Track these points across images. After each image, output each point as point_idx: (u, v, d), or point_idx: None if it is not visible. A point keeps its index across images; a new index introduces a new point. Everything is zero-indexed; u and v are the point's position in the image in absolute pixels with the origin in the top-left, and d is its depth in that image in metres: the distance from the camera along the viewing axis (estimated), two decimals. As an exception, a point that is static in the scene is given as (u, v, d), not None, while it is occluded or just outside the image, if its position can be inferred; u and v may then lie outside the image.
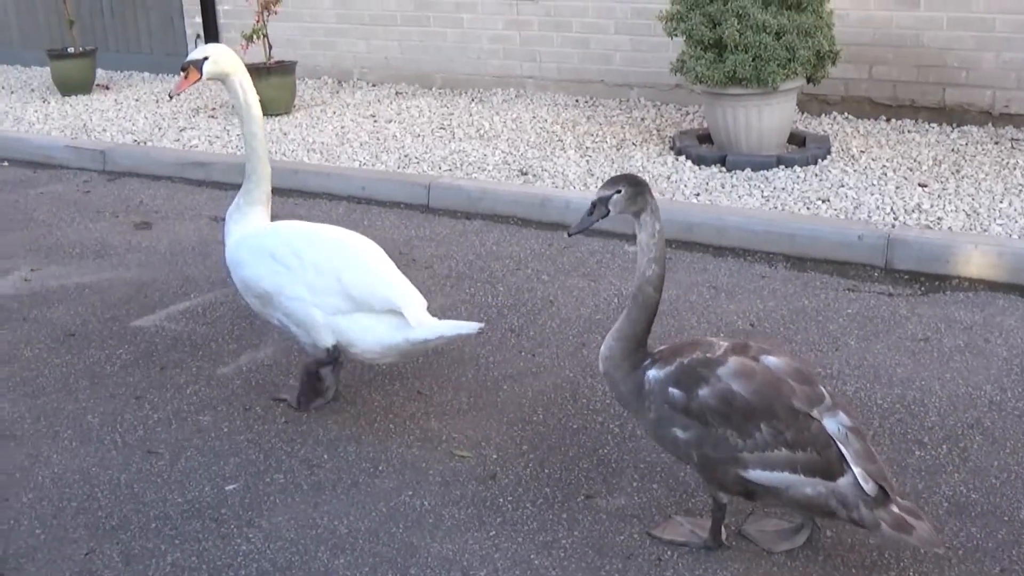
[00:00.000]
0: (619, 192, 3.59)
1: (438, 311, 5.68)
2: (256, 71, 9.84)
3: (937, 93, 8.53)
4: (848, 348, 5.15)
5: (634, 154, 8.02)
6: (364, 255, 4.68)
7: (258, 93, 10.20)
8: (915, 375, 4.86)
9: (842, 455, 3.39)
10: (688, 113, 9.28)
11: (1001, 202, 6.59)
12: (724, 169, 7.58)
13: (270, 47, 10.13)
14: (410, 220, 7.31)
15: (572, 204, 7.04)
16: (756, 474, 3.46)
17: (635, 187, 3.59)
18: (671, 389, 3.53)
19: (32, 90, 11.83)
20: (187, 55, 5.20)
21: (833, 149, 7.86)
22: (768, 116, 7.59)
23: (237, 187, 8.10)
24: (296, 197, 7.91)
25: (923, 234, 6.13)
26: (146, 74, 12.53)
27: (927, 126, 8.46)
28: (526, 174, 7.73)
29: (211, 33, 11.97)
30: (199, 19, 12.01)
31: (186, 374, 5.16)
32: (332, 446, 4.47)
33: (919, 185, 6.99)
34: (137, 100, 11.02)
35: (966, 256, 5.88)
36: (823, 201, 6.79)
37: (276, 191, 8.00)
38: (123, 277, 6.43)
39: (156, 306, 5.98)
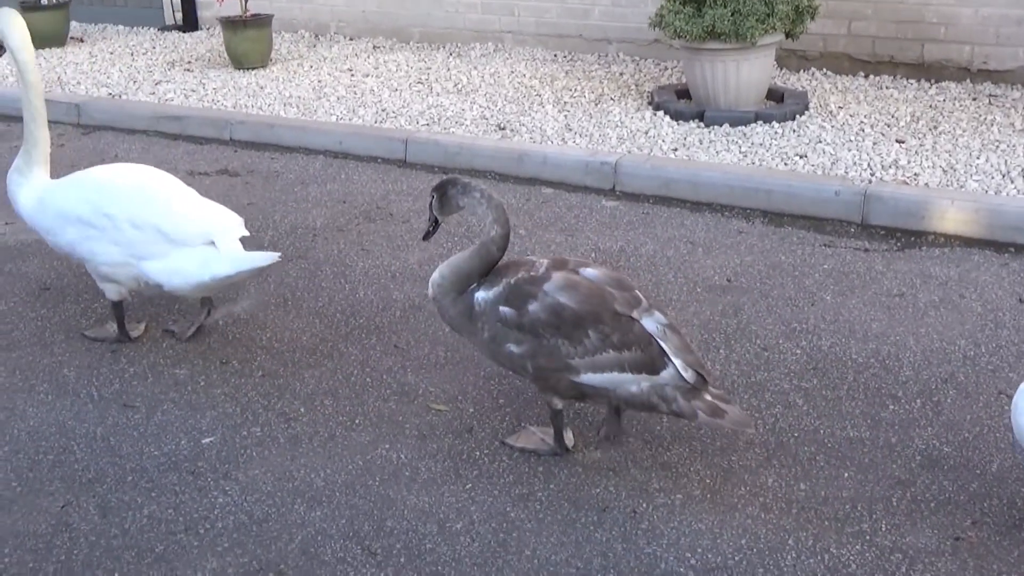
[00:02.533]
0: (432, 198, 3.99)
1: (415, 264, 5.70)
2: (232, 24, 9.82)
3: (916, 49, 8.52)
4: (824, 303, 5.17)
5: (612, 109, 8.00)
6: (170, 194, 4.80)
7: (234, 46, 10.22)
8: (890, 330, 4.88)
9: (663, 350, 3.68)
10: (667, 68, 9.25)
11: (978, 158, 6.61)
12: (702, 124, 7.57)
13: (246, 0, 10.03)
14: (387, 175, 7.28)
15: (549, 159, 7.02)
16: (588, 377, 3.73)
17: (439, 191, 3.95)
18: (502, 308, 3.77)
19: (5, 42, 11.69)
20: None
21: (811, 105, 7.86)
22: (746, 71, 7.57)
23: (212, 141, 8.13)
24: (272, 151, 7.87)
25: (899, 190, 6.14)
26: (121, 27, 12.40)
27: (905, 82, 8.46)
28: (504, 129, 7.70)
29: (186, -14, 11.87)
30: (174, -29, 11.90)
31: (162, 328, 5.14)
32: (309, 400, 4.47)
33: (896, 141, 7.00)
34: (112, 53, 10.92)
35: (942, 212, 5.90)
36: (800, 157, 6.80)
37: (252, 145, 8.01)
38: (98, 231, 6.38)
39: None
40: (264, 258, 4.65)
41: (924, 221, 5.94)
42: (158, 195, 4.77)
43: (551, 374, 3.77)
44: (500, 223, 3.86)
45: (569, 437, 4.04)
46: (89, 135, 8.53)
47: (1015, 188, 6.11)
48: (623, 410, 4.02)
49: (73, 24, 11.81)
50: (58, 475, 4.00)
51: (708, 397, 3.70)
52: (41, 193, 4.95)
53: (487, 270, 3.91)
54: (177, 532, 3.66)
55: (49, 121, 8.41)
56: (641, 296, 3.79)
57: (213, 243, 4.68)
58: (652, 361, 3.67)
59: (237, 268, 4.64)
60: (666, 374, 3.67)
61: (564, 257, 3.93)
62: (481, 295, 3.85)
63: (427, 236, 4.17)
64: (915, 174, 6.40)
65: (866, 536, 3.52)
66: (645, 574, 3.39)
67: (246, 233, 4.82)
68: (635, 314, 3.72)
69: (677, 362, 3.66)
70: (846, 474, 3.84)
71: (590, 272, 3.81)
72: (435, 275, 3.97)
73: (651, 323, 3.72)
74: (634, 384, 3.70)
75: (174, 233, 4.63)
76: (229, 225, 4.75)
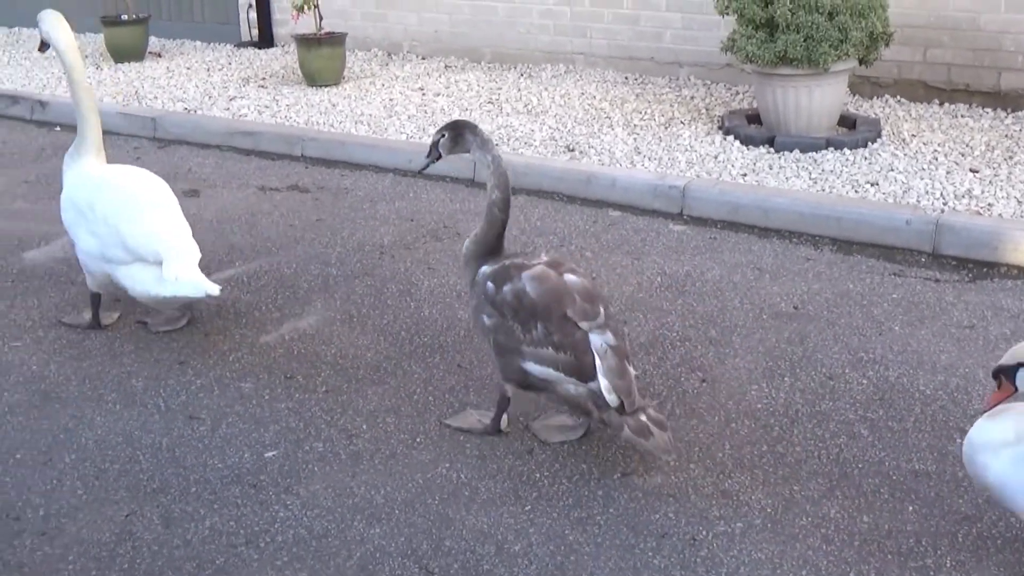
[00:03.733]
0: (443, 136, 4.26)
1: (480, 285, 5.70)
2: (306, 41, 9.93)
3: (992, 77, 8.41)
4: (892, 333, 5.11)
5: (682, 132, 7.98)
6: (150, 206, 5.10)
7: (308, 63, 10.35)
8: (959, 362, 4.81)
9: (595, 364, 3.90)
10: (738, 93, 9.21)
11: (1053, 190, 6.51)
12: (772, 150, 7.53)
13: (321, 18, 10.14)
14: (455, 194, 7.31)
15: (618, 181, 7.02)
16: (530, 366, 4.04)
17: (454, 130, 4.24)
18: (488, 283, 4.14)
19: (85, 56, 11.92)
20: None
21: (884, 132, 7.78)
22: (818, 97, 7.52)
23: (285, 157, 8.22)
24: (342, 168, 7.94)
25: (972, 220, 6.06)
26: (198, 43, 12.59)
27: (981, 111, 8.35)
28: (573, 150, 7.71)
29: (263, 3, 12.02)
30: (251, -12, 12.07)
31: (229, 341, 5.21)
32: (371, 417, 4.49)
33: (970, 170, 6.91)
34: (188, 68, 11.09)
35: (1015, 243, 5.81)
36: (872, 184, 6.73)
37: (323, 162, 8.09)
38: (170, 244, 6.48)
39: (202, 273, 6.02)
40: (203, 289, 4.85)
41: (997, 252, 5.85)
42: (137, 202, 5.10)
43: (506, 352, 4.11)
44: (501, 188, 4.18)
45: (504, 421, 4.34)
46: (164, 149, 8.66)
47: (1092, 221, 6.00)
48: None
49: (152, 39, 12.00)
50: (123, 484, 4.06)
51: (642, 418, 3.91)
52: (77, 175, 5.27)
53: (496, 232, 4.25)
54: (238, 545, 3.70)
55: (126, 135, 8.60)
56: (601, 311, 4.01)
57: (162, 263, 4.94)
58: (583, 369, 3.92)
59: (173, 292, 4.88)
60: (594, 385, 3.91)
61: (563, 260, 4.23)
62: (484, 268, 4.22)
63: (423, 168, 4.54)
64: (989, 204, 6.31)
65: (930, 572, 3.47)
66: (703, 602, 3.37)
67: (199, 256, 5.03)
68: (584, 325, 3.96)
69: (604, 382, 3.89)
70: (911, 508, 3.79)
71: (569, 276, 4.08)
72: (463, 246, 4.37)
73: (598, 339, 3.96)
74: (572, 385, 3.98)
75: (129, 238, 4.94)
76: (181, 251, 4.97)
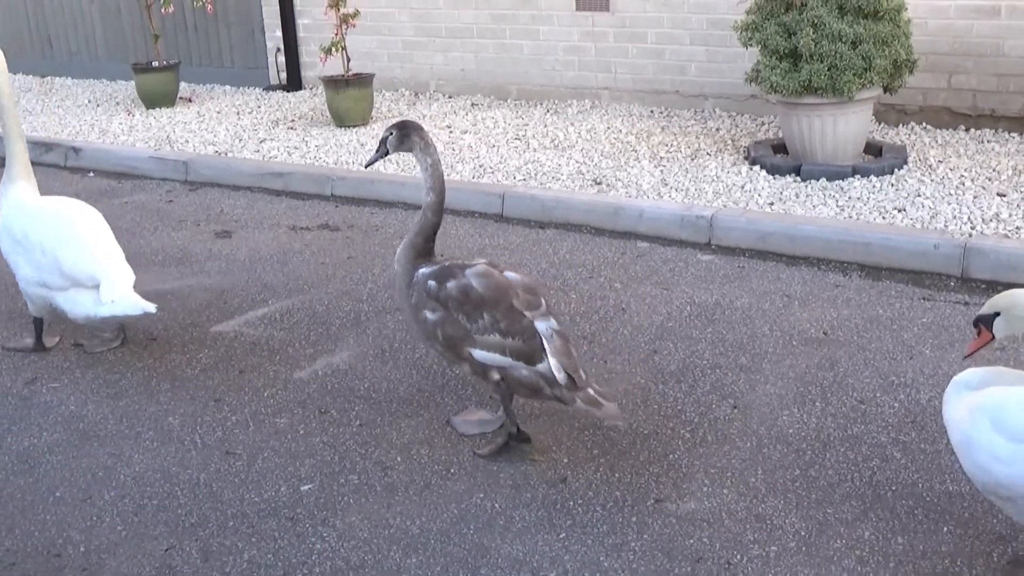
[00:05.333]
0: (391, 134, 4.57)
1: (511, 318, 5.74)
2: (334, 83, 10.05)
3: (1018, 102, 8.42)
4: (923, 357, 5.11)
5: (708, 164, 8.02)
6: (84, 233, 5.37)
7: (336, 104, 10.47)
8: (991, 384, 4.80)
9: (543, 346, 4.20)
10: (763, 123, 9.25)
11: (1082, 211, 6.50)
12: (799, 179, 7.55)
13: (348, 60, 10.26)
14: (484, 229, 7.38)
15: (646, 213, 7.06)
16: (479, 353, 4.30)
17: (402, 130, 4.55)
18: (429, 281, 4.40)
19: (117, 103, 12.10)
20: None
21: (910, 159, 7.80)
22: (844, 126, 7.55)
23: (315, 197, 8.31)
24: (371, 206, 8.02)
25: (1000, 243, 6.06)
26: (227, 87, 12.74)
27: (1007, 136, 8.35)
28: (600, 184, 7.77)
29: (291, 47, 12.15)
30: (279, 33, 12.20)
31: (264, 378, 5.26)
32: (405, 449, 4.53)
33: (997, 195, 6.92)
34: (219, 112, 11.23)
35: (1044, 265, 5.81)
36: (899, 211, 6.74)
37: (352, 200, 8.17)
38: (204, 284, 6.57)
39: (235, 312, 6.10)
40: (140, 307, 5.12)
41: (1026, 275, 5.86)
42: (68, 229, 5.35)
43: (456, 342, 4.34)
44: (436, 191, 4.49)
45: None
46: (196, 191, 8.77)
47: (1121, 241, 6.00)
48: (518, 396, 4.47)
49: (183, 85, 12.17)
50: (162, 519, 4.11)
51: (591, 391, 4.19)
52: (11, 205, 5.50)
53: (428, 235, 4.52)
54: (276, 576, 3.74)
55: (158, 178, 8.73)
56: (543, 303, 4.36)
57: (98, 286, 5.21)
58: (532, 353, 4.22)
59: (111, 312, 5.15)
60: (542, 367, 4.19)
61: (498, 263, 4.53)
62: (422, 270, 4.47)
63: (370, 163, 4.87)
64: (1017, 227, 6.31)
65: (966, 591, 3.47)
66: (739, 626, 3.38)
67: (133, 277, 5.31)
68: (529, 314, 4.28)
69: (552, 361, 4.18)
70: (945, 528, 3.79)
71: (510, 274, 4.42)
72: (397, 251, 4.61)
73: (543, 325, 4.27)
74: (525, 369, 4.23)
75: (65, 264, 5.21)
76: (116, 273, 5.26)
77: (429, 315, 4.40)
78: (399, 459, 4.46)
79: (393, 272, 4.65)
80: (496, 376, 4.34)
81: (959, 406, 3.50)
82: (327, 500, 4.19)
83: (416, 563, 3.77)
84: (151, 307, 5.11)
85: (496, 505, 4.09)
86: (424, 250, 4.53)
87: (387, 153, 4.67)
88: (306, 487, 4.29)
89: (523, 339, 4.23)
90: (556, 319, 4.34)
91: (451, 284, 4.34)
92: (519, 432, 4.51)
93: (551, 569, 3.70)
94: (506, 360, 4.26)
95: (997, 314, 3.52)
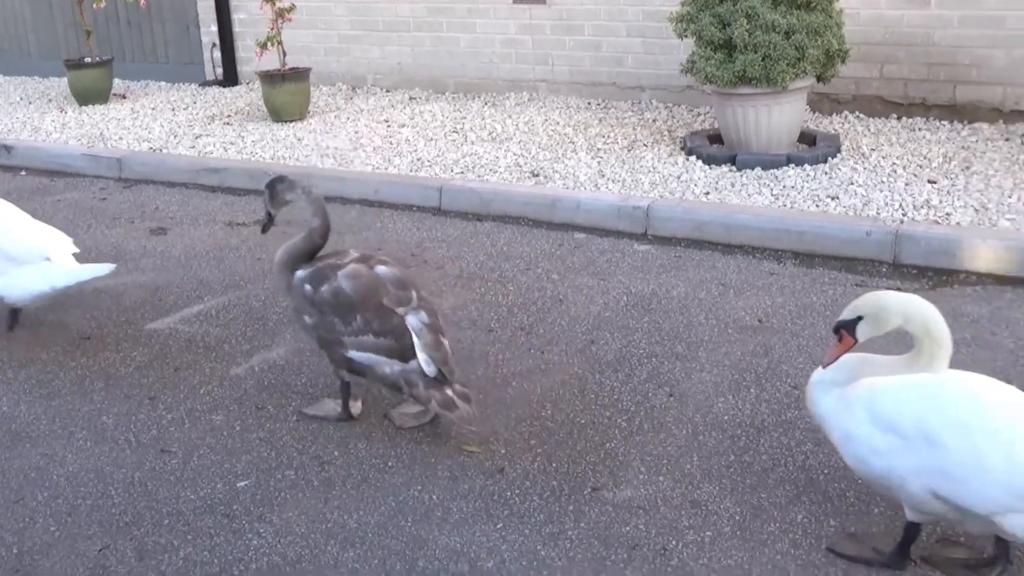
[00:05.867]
0: (264, 196, 4.73)
1: (448, 310, 5.75)
2: (271, 78, 9.99)
3: (948, 91, 8.54)
4: (856, 342, 5.15)
5: (645, 155, 8.06)
6: (14, 215, 5.55)
7: (272, 99, 10.43)
8: (922, 368, 4.87)
9: (413, 344, 4.30)
10: (699, 114, 9.31)
11: (1010, 197, 6.61)
12: (734, 168, 7.61)
13: (284, 54, 10.20)
14: (422, 222, 7.37)
15: (583, 205, 7.08)
16: (354, 354, 4.41)
17: (268, 190, 4.71)
18: (306, 285, 4.50)
19: (50, 100, 11.95)
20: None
21: (843, 147, 7.88)
22: (778, 115, 7.62)
23: (252, 192, 8.26)
24: (310, 201, 7.97)
25: (931, 229, 6.15)
26: (162, 83, 12.63)
27: (938, 124, 8.47)
28: (537, 176, 7.78)
29: (227, 42, 12.07)
30: (215, 28, 12.11)
31: (199, 375, 5.23)
32: (342, 443, 4.52)
33: (928, 182, 7.01)
34: (153, 109, 11.12)
35: (974, 250, 5.90)
36: (832, 199, 6.82)
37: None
38: (138, 281, 6.50)
39: (170, 309, 6.05)
40: (99, 269, 5.30)
41: (956, 260, 5.94)
42: (2, 215, 5.49)
43: (330, 344, 4.47)
44: (320, 216, 4.59)
45: (357, 407, 4.72)
46: (130, 188, 8.68)
47: (1048, 226, 6.11)
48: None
49: (116, 81, 12.04)
50: (96, 519, 4.06)
51: (448, 392, 4.31)
52: None
53: (312, 253, 4.61)
54: (212, 574, 3.71)
55: (91, 176, 8.64)
56: (414, 295, 4.44)
57: (48, 259, 5.36)
58: (404, 350, 4.32)
59: (75, 279, 5.30)
60: (414, 363, 4.30)
61: (371, 254, 4.65)
62: (299, 273, 4.55)
63: (264, 229, 4.88)
64: (947, 214, 6.40)
65: (895, 571, 3.51)
66: (674, 611, 3.41)
67: (76, 250, 5.49)
68: (400, 310, 4.37)
69: (422, 356, 4.29)
70: (876, 510, 3.84)
71: (381, 269, 4.49)
72: (276, 254, 4.69)
73: (414, 320, 4.38)
74: (388, 366, 4.36)
75: (15, 252, 5.33)
76: (62, 243, 5.45)
77: (308, 319, 4.53)
78: (336, 453, 4.45)
79: (276, 271, 4.72)
80: (347, 377, 4.56)
81: (830, 401, 3.53)
82: (264, 496, 4.16)
83: (354, 556, 3.76)
84: (111, 266, 5.31)
85: (434, 497, 4.09)
86: (306, 260, 4.62)
87: (273, 216, 4.81)
88: (242, 483, 4.26)
89: (395, 338, 4.34)
90: (427, 311, 4.43)
91: (324, 288, 4.44)
92: (348, 416, 4.69)
93: (489, 559, 3.71)
94: (380, 359, 4.37)
95: (860, 318, 3.51)
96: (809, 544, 3.68)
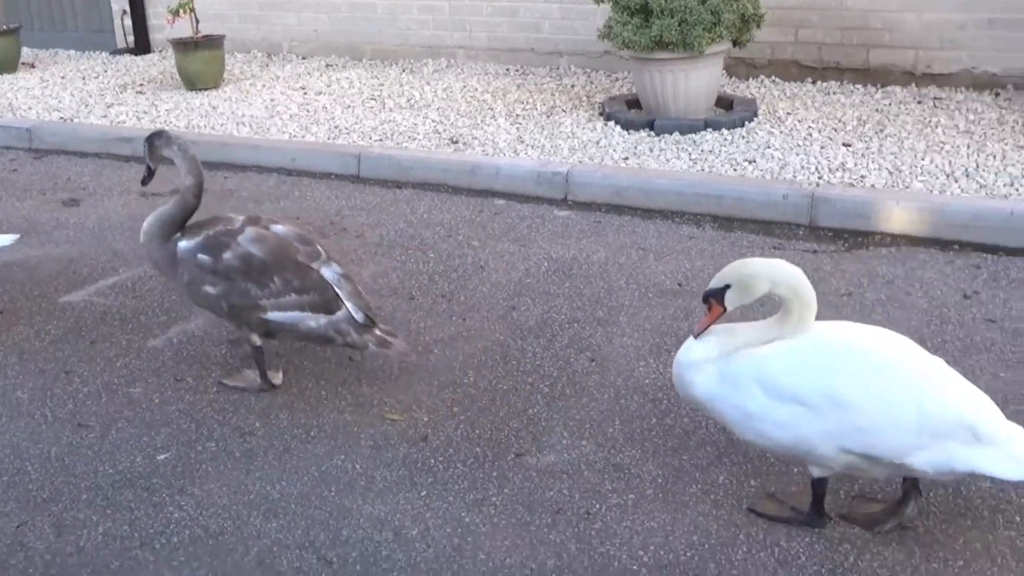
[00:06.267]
0: (144, 149, 4.71)
1: (369, 278, 5.72)
2: (183, 46, 9.83)
3: (861, 55, 8.64)
4: (773, 304, 5.22)
5: (564, 120, 8.06)
6: None
7: (186, 67, 10.26)
8: (838, 329, 4.94)
9: (337, 294, 4.38)
10: (617, 79, 9.33)
11: (923, 159, 6.71)
12: (652, 133, 7.64)
13: (197, 21, 10.04)
14: (341, 190, 7.31)
15: (502, 171, 7.07)
16: (274, 315, 4.41)
17: (147, 143, 4.70)
18: (200, 255, 4.43)
19: (-44, 70, 11.65)
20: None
21: (760, 112, 7.95)
22: (695, 80, 7.65)
23: (166, 161, 8.11)
24: (225, 170, 7.87)
25: (846, 192, 6.23)
26: (72, 52, 12.36)
27: (852, 87, 8.58)
28: (456, 142, 7.75)
29: (137, 9, 11.84)
30: (125, -6, 11.88)
31: (116, 347, 5.14)
32: (264, 414, 4.48)
33: (843, 145, 7.10)
34: (63, 78, 10.89)
35: (888, 212, 5.99)
36: (749, 162, 6.88)
37: (205, 165, 7.98)
38: (51, 254, 6.38)
39: (85, 281, 5.95)
40: (1, 240, 5.23)
41: (871, 222, 6.03)
42: None
43: (243, 311, 4.43)
44: (193, 174, 4.56)
45: (278, 377, 4.71)
46: (41, 159, 8.50)
47: (959, 187, 6.21)
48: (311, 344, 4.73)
49: (25, 50, 11.76)
50: (12, 496, 3.99)
51: (378, 332, 4.40)
52: None
53: (187, 216, 4.57)
54: (133, 548, 3.66)
55: (1, 147, 8.44)
56: (321, 250, 4.51)
57: None
58: (328, 303, 4.37)
59: None
60: (340, 314, 4.37)
61: (259, 215, 4.67)
62: (183, 244, 4.49)
63: (144, 182, 4.83)
64: (862, 176, 6.49)
65: (815, 528, 3.57)
66: (599, 573, 3.43)
67: None
68: (315, 265, 4.42)
69: (349, 305, 4.37)
70: (795, 470, 3.88)
71: (278, 228, 4.53)
72: (144, 224, 4.62)
73: (329, 272, 4.44)
74: (314, 320, 4.38)
75: None
76: None
77: (211, 290, 4.46)
78: (258, 424, 4.41)
79: (142, 244, 4.67)
80: (257, 342, 4.53)
81: (707, 381, 3.51)
82: (184, 469, 4.12)
83: (277, 527, 3.74)
84: (15, 236, 5.25)
85: (357, 466, 4.08)
86: (179, 226, 4.59)
87: (152, 169, 4.79)
88: (162, 456, 4.21)
89: (318, 292, 4.38)
90: (337, 263, 4.52)
91: (228, 255, 4.40)
92: (269, 385, 4.66)
93: (413, 527, 3.70)
94: (306, 315, 4.39)
95: (727, 287, 3.52)
96: (731, 505, 3.73)
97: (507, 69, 10.01)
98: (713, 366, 3.49)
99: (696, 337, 3.55)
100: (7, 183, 7.89)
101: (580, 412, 4.37)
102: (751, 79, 9.02)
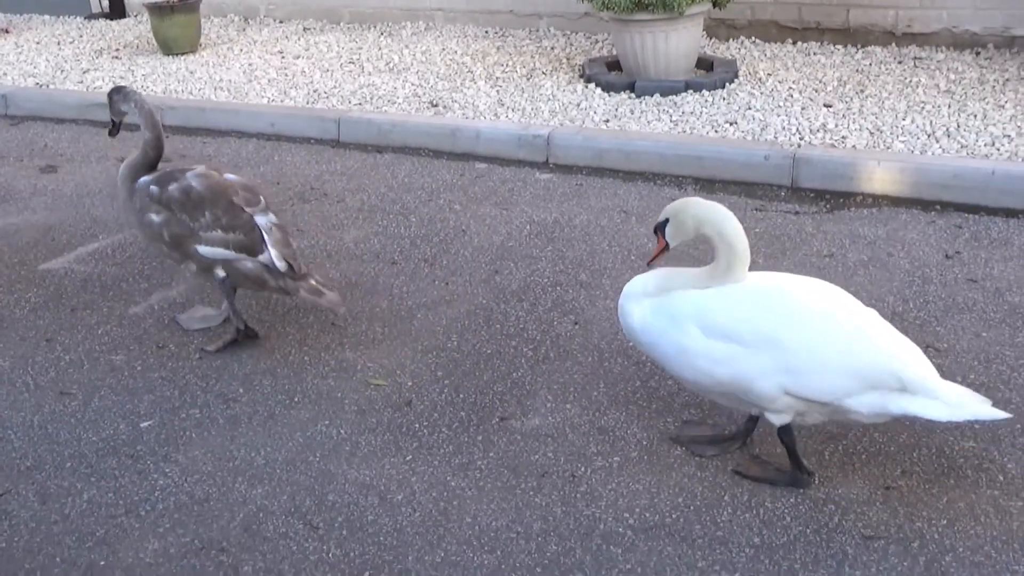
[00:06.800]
0: (109, 101, 4.92)
1: (351, 243, 5.70)
2: (159, 10, 9.73)
3: (841, 15, 8.62)
4: (756, 266, 5.19)
5: (544, 83, 8.03)
6: None
7: (162, 32, 10.15)
8: (821, 290, 4.95)
9: (263, 239, 4.50)
10: (597, 41, 9.29)
11: (904, 119, 6.71)
12: (633, 95, 7.62)
13: (173, -15, 9.94)
14: (321, 155, 7.27)
15: (483, 134, 7.04)
16: (204, 249, 4.54)
17: (108, 98, 4.93)
18: (151, 186, 4.67)
19: (-72, 35, 11.52)
20: None
21: (740, 73, 7.93)
22: (675, 41, 7.62)
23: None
24: (204, 136, 7.82)
25: (828, 152, 6.23)
26: (47, 16, 12.24)
27: (832, 48, 8.56)
28: (436, 106, 7.71)
29: (112, -28, 11.73)
30: (99, -42, 11.75)
31: (97, 315, 5.12)
32: (247, 380, 4.47)
33: (824, 105, 7.09)
34: (38, 43, 10.77)
35: (869, 173, 5.99)
36: (730, 124, 6.86)
37: (183, 130, 7.96)
38: (30, 221, 6.33)
39: (64, 248, 5.90)
40: None
41: (852, 182, 6.03)
42: None
43: (181, 240, 4.57)
44: (150, 128, 4.74)
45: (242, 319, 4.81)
46: (17, 126, 8.43)
47: (940, 147, 6.22)
48: (240, 288, 4.77)
49: (-3, 15, 11.65)
50: (-5, 464, 3.98)
51: (312, 282, 4.55)
52: None
53: (151, 166, 4.76)
54: (118, 515, 3.66)
55: (-25, 112, 8.23)
56: (262, 200, 4.65)
57: None
58: (252, 244, 4.50)
59: None
60: (263, 258, 4.50)
61: (218, 166, 4.92)
62: (143, 179, 4.72)
63: (111, 133, 5.06)
64: (843, 137, 6.49)
65: (800, 489, 3.59)
66: (585, 536, 3.44)
67: None
68: (248, 209, 4.56)
69: (273, 252, 4.49)
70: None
71: (230, 175, 4.72)
72: (119, 173, 4.85)
73: (263, 219, 4.57)
74: (248, 261, 4.52)
75: None
76: None
77: (154, 218, 4.62)
78: (241, 390, 4.40)
79: (119, 183, 4.85)
80: (221, 273, 4.61)
81: (643, 313, 3.63)
82: (168, 436, 4.10)
83: (262, 493, 3.73)
84: None
85: (341, 432, 4.07)
86: (145, 171, 4.77)
87: (117, 123, 4.99)
88: (146, 423, 4.19)
89: (243, 232, 4.50)
90: (275, 214, 4.65)
91: (172, 186, 4.60)
92: (247, 328, 4.76)
93: (399, 491, 3.70)
94: (229, 253, 4.52)
95: (668, 220, 3.65)
96: (715, 467, 3.74)
97: (486, 31, 9.95)
98: (649, 300, 3.63)
99: (648, 265, 3.72)
100: (-17, 150, 7.82)
101: (564, 375, 4.37)
102: (731, 40, 8.99)
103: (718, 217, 3.54)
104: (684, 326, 3.50)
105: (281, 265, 4.48)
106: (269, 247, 4.50)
